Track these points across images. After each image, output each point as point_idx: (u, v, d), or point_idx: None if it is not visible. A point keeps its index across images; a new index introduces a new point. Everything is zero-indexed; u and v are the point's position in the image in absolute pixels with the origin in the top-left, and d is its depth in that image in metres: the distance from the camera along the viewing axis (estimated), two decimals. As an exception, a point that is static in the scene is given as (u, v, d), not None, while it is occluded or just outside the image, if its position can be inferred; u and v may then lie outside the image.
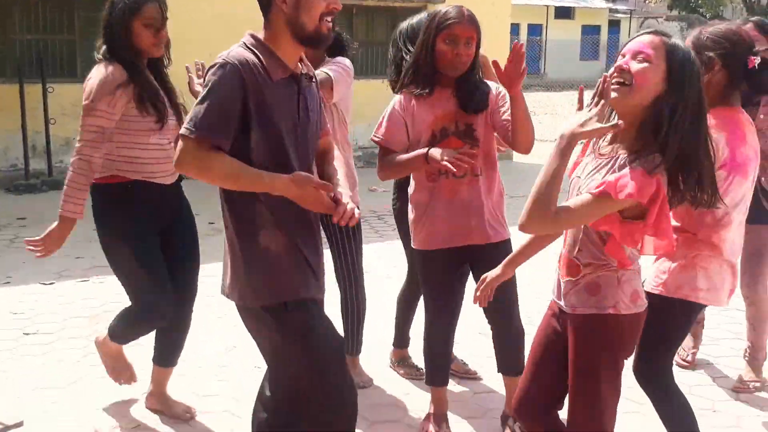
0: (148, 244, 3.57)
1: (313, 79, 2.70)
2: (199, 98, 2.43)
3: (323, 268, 2.77)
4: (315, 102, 2.67)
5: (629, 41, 2.44)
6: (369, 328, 4.35)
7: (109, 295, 5.58)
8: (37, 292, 5.60)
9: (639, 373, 3.05)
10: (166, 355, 3.84)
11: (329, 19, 2.51)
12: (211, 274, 6.14)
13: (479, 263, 3.37)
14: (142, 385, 4.13)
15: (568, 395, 2.57)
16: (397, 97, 3.42)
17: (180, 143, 2.40)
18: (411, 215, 3.55)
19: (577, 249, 2.48)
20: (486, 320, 3.63)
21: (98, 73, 3.40)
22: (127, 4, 3.36)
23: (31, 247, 3.37)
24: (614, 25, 38.54)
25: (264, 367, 4.37)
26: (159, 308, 3.55)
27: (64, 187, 3.36)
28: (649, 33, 2.40)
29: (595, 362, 2.46)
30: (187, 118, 2.44)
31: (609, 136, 2.45)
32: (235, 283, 2.61)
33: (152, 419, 3.79)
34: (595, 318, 2.45)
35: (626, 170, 2.27)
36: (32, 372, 4.22)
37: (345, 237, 4.08)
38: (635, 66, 2.33)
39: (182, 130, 2.40)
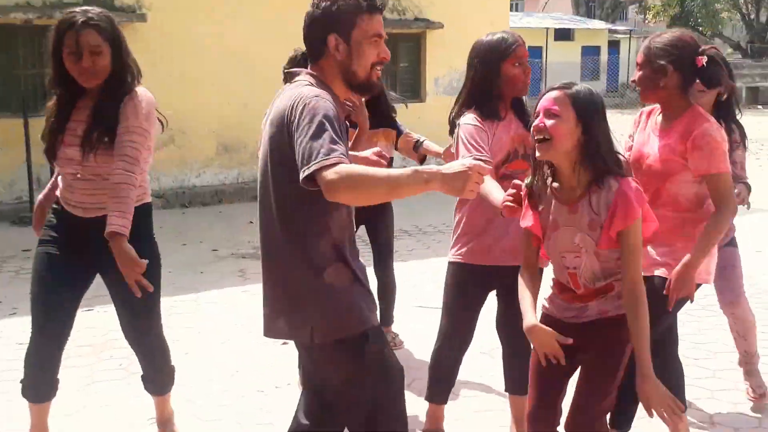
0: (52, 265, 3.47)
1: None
2: (310, 134, 2.31)
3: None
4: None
5: (540, 99, 2.74)
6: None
7: (113, 324, 5.61)
8: (43, 322, 5.64)
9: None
10: (152, 385, 3.84)
11: (379, 68, 2.57)
12: (213, 301, 6.22)
13: (509, 283, 3.30)
14: (145, 413, 4.18)
15: (588, 387, 2.80)
16: (470, 118, 3.40)
17: (322, 176, 2.25)
18: (461, 228, 3.56)
19: (602, 276, 2.76)
20: (487, 340, 3.66)
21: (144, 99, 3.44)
22: (56, 33, 3.29)
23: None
24: (614, 45, 38.74)
25: (266, 391, 4.43)
26: (39, 331, 3.50)
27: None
28: (554, 89, 2.72)
29: (623, 356, 2.78)
30: (309, 156, 2.29)
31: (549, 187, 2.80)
32: (303, 321, 2.56)
33: (156, 445, 3.82)
34: (623, 317, 2.72)
35: (619, 199, 2.64)
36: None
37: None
38: (549, 123, 2.65)
39: (316, 166, 2.25)
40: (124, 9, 10.50)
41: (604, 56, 37.78)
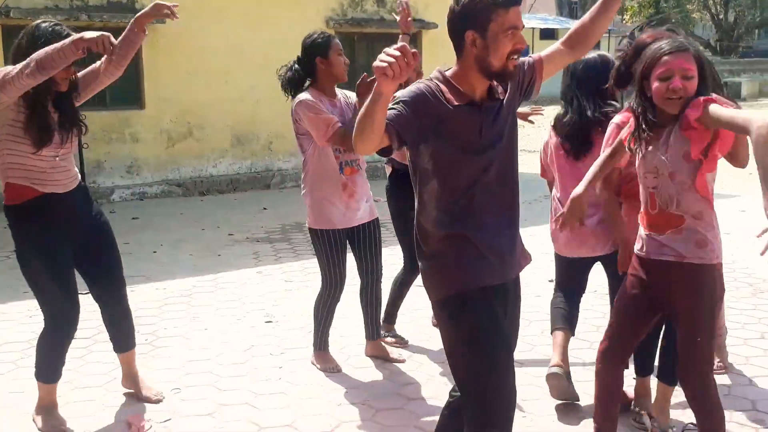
0: (55, 254, 3.55)
1: (502, 105, 2.60)
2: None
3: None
4: (501, 124, 2.58)
5: (668, 55, 2.79)
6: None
7: (139, 302, 5.65)
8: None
9: None
10: (122, 342, 3.97)
11: (516, 57, 2.50)
12: (231, 281, 6.23)
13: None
14: (173, 383, 4.20)
15: (681, 339, 2.91)
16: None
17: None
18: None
19: (675, 203, 2.85)
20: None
21: None
22: (46, 39, 3.34)
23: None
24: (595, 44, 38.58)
25: (280, 363, 4.45)
26: (67, 315, 3.61)
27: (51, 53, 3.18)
28: (680, 50, 2.78)
29: (713, 308, 2.90)
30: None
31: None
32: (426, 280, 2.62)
33: (181, 412, 3.84)
34: (706, 269, 2.84)
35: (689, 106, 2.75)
36: (72, 373, 4.28)
37: (369, 239, 4.30)
38: (685, 83, 2.77)
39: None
40: (146, 13, 10.44)
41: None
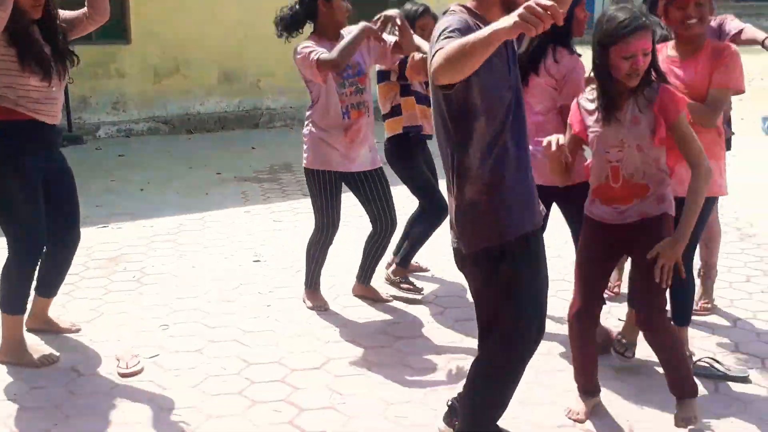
0: (31, 177, 3.56)
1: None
2: (439, 36, 2.31)
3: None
4: (514, 58, 2.57)
5: (629, 38, 2.85)
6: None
7: (126, 239, 5.63)
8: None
9: None
10: (53, 289, 3.98)
11: None
12: (218, 220, 6.21)
13: None
14: (158, 320, 4.21)
15: (643, 281, 3.00)
16: None
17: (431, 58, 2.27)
18: None
19: (641, 174, 2.96)
20: None
21: None
22: None
23: None
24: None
25: (268, 300, 4.47)
26: (36, 244, 3.63)
27: None
28: (637, 29, 2.83)
29: None
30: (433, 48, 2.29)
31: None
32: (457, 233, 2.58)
33: (169, 348, 3.86)
34: (665, 217, 2.99)
35: (664, 95, 2.90)
36: (59, 309, 4.28)
37: (373, 187, 4.21)
38: (644, 60, 2.89)
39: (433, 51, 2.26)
40: (131, -56, 10.17)
41: None
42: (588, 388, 3.26)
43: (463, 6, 2.50)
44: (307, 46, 3.97)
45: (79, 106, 9.98)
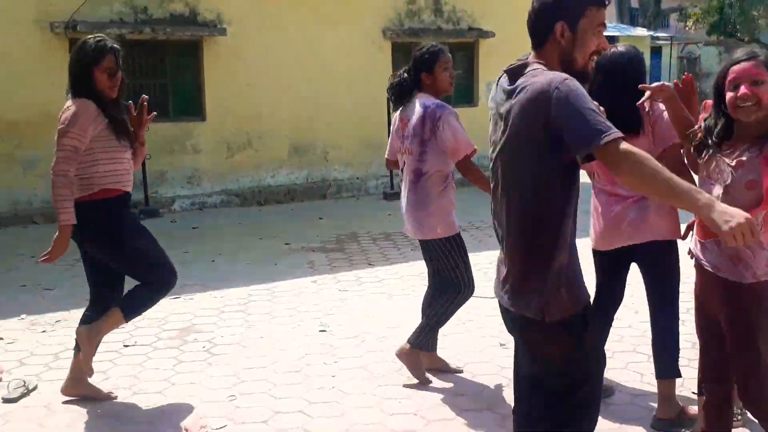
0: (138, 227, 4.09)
1: None
2: (586, 111, 2.20)
3: None
4: None
5: (733, 67, 2.79)
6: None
7: (197, 310, 5.76)
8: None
9: None
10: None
11: (595, 57, 2.46)
12: (287, 290, 6.31)
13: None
14: (229, 391, 4.27)
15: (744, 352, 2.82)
16: None
17: (610, 150, 2.16)
18: None
19: None
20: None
21: (73, 106, 3.83)
22: (90, 55, 3.83)
23: (43, 258, 3.81)
24: (656, 51, 37.85)
25: (334, 372, 4.48)
26: (173, 275, 4.07)
27: (56, 202, 3.76)
28: (747, 59, 2.77)
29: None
30: (595, 130, 2.18)
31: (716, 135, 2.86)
32: (535, 298, 2.40)
33: (237, 419, 3.90)
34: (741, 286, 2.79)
35: None
36: (131, 379, 4.39)
37: (456, 247, 4.22)
38: (756, 89, 2.72)
39: (607, 137, 2.15)
40: (207, 24, 10.69)
41: (647, 61, 36.98)
42: None
43: (540, 62, 2.43)
44: (457, 124, 4.12)
45: (156, 181, 10.38)
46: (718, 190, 2.81)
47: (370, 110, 11.66)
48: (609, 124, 2.18)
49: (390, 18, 12.11)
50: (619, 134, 2.15)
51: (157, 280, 4.03)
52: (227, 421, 3.88)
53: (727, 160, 2.81)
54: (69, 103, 3.85)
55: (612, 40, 35.55)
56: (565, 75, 2.29)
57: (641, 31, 36.67)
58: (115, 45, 3.90)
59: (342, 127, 11.70)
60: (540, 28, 2.44)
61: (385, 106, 11.08)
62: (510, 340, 4.74)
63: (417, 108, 4.16)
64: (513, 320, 2.50)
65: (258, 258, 7.51)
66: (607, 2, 2.41)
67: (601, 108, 2.29)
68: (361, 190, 11.89)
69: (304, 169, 11.65)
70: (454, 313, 4.28)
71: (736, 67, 2.77)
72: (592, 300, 2.54)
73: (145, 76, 10.42)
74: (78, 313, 4.35)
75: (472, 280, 4.25)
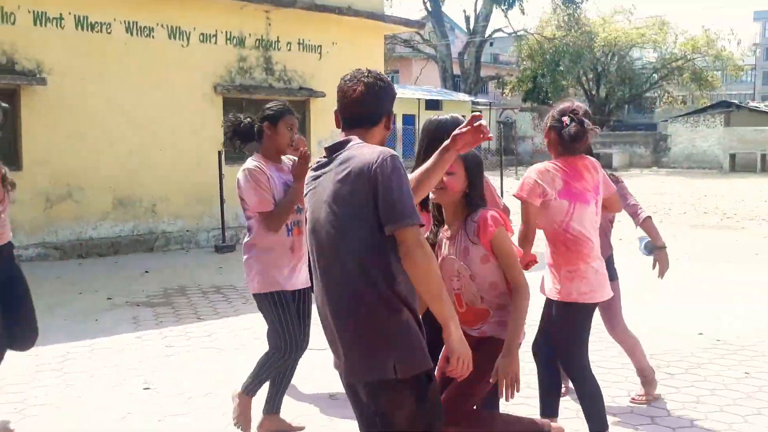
0: None
1: None
2: (395, 190, 2.44)
3: None
4: None
5: None
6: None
7: (7, 368, 5.38)
8: None
9: (561, 363, 3.88)
10: None
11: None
12: (108, 347, 6.03)
13: None
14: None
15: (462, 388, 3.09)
16: None
17: (404, 236, 2.42)
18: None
19: (479, 300, 3.12)
20: None
21: None
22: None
23: None
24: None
25: (160, 430, 4.32)
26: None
27: None
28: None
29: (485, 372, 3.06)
30: (393, 212, 2.43)
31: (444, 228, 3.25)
32: (385, 358, 2.50)
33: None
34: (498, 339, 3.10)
35: (480, 221, 3.07)
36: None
37: (305, 305, 4.20)
38: (445, 179, 3.07)
39: (402, 223, 2.41)
40: (25, 73, 10.20)
41: (468, 124, 38.88)
42: None
43: (362, 141, 2.71)
44: (256, 172, 4.03)
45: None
46: (465, 281, 3.15)
47: (201, 163, 11.54)
48: (415, 211, 2.45)
49: (221, 74, 12.09)
50: (417, 224, 2.43)
51: None
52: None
53: (456, 257, 3.16)
54: None
55: (437, 103, 37.44)
56: (392, 150, 2.55)
57: (463, 96, 38.84)
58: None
59: (171, 179, 11.47)
60: (376, 110, 2.71)
61: (216, 159, 10.99)
62: (340, 391, 4.81)
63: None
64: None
65: (77, 313, 7.14)
66: None
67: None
68: (191, 242, 11.64)
69: (130, 222, 11.26)
70: (276, 372, 4.14)
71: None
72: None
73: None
74: None
75: (295, 341, 4.07)
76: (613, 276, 4.33)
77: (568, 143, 3.73)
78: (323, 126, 13.00)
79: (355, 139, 2.61)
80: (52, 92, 10.32)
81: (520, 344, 3.11)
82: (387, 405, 2.55)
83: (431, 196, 3.12)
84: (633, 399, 4.71)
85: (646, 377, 4.72)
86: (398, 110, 33.94)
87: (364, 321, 2.50)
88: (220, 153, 11.04)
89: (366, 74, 2.69)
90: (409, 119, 34.86)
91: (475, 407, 3.17)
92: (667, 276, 4.52)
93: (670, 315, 6.90)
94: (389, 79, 2.80)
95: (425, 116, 37.91)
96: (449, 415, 3.03)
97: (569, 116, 3.70)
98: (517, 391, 3.01)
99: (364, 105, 2.67)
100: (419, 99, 35.08)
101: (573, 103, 3.84)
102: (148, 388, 5.08)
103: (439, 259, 3.18)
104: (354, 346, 2.53)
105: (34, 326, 4.45)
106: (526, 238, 3.72)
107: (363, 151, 2.52)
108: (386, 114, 2.73)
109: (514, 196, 3.77)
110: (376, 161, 2.46)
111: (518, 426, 3.24)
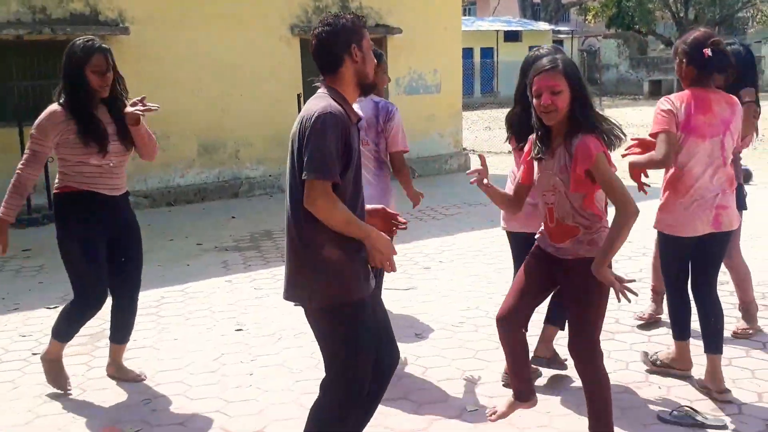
0: (93, 243, 4.03)
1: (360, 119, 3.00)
2: (312, 146, 2.65)
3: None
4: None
5: (537, 75, 3.09)
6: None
7: (107, 315, 5.63)
8: (43, 315, 5.65)
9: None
10: (120, 335, 4.38)
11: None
12: (200, 290, 6.24)
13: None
14: (144, 395, 4.21)
15: (572, 316, 3.27)
16: None
17: (311, 186, 2.64)
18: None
19: (571, 217, 3.14)
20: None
21: (45, 111, 3.99)
22: (78, 55, 3.94)
23: None
24: (558, 44, 39.03)
25: (251, 370, 4.48)
26: (94, 296, 4.08)
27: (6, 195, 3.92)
28: (548, 70, 3.06)
29: (601, 289, 3.08)
30: (307, 164, 2.65)
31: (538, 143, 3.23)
32: (302, 289, 2.81)
33: (152, 422, 3.86)
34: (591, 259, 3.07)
35: (579, 146, 3.01)
36: (41, 386, 4.28)
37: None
38: (553, 98, 3.04)
39: (310, 175, 2.64)
40: (108, 23, 10.41)
41: (549, 55, 37.84)
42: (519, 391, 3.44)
43: (328, 87, 2.86)
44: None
45: (60, 184, 10.04)
46: (561, 197, 3.16)
47: (280, 107, 11.61)
48: (326, 168, 2.63)
49: (297, 15, 12.05)
50: (322, 178, 2.62)
51: (76, 294, 4.09)
52: (142, 425, 3.84)
53: (553, 172, 3.15)
54: (47, 108, 3.98)
55: (516, 34, 36.48)
56: (331, 105, 2.72)
57: (543, 26, 37.73)
58: (103, 45, 4.04)
59: (252, 124, 11.60)
60: (332, 53, 2.82)
61: (295, 102, 11.05)
62: (424, 330, 4.86)
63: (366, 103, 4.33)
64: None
65: (169, 260, 7.40)
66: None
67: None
68: (274, 187, 11.82)
69: (215, 168, 11.50)
70: None
71: (537, 78, 3.08)
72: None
73: (46, 78, 10.08)
74: None
75: None
76: (740, 205, 4.29)
77: (710, 75, 3.79)
78: (401, 64, 12.87)
79: (320, 90, 2.85)
80: (134, 42, 10.51)
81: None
82: (315, 330, 2.91)
83: (545, 120, 3.09)
84: (735, 332, 4.65)
85: (748, 311, 4.69)
86: (475, 44, 33.26)
87: (290, 251, 2.81)
88: (299, 96, 11.08)
89: (319, 23, 2.85)
90: (487, 53, 34.11)
91: (586, 340, 3.18)
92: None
93: None
94: (342, 16, 2.84)
95: (504, 49, 37.05)
96: (573, 352, 3.23)
97: (711, 47, 3.72)
98: (635, 294, 2.99)
99: (320, 56, 2.85)
100: (497, 31, 34.27)
101: (704, 32, 3.84)
102: (240, 330, 5.25)
103: (536, 172, 3.24)
104: (287, 272, 2.84)
105: (137, 275, 4.42)
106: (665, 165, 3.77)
107: (310, 105, 2.76)
108: (345, 53, 2.81)
109: (650, 135, 3.82)
110: (311, 117, 2.68)
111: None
